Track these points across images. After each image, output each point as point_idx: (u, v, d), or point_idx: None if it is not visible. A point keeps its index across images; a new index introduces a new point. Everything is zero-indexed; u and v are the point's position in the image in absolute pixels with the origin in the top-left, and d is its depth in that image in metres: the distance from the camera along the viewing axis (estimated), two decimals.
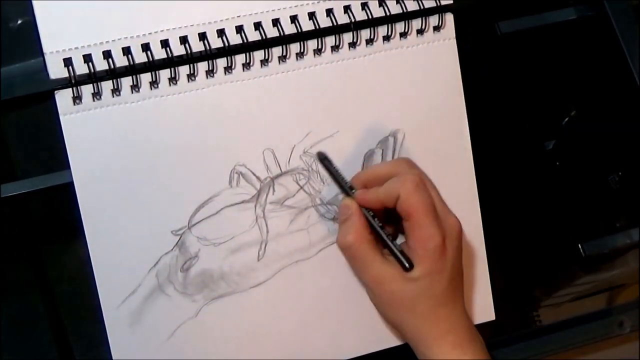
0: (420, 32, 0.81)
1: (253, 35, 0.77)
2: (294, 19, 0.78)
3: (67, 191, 0.75)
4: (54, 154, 0.79)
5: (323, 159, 0.79)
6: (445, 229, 0.75)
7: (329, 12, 0.78)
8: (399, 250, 0.74)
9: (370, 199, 0.76)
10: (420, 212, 0.73)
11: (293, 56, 0.79)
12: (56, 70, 0.73)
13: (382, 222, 0.76)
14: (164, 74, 0.76)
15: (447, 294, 0.75)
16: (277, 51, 0.78)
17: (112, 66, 0.74)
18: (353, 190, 0.77)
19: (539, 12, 0.91)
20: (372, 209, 0.76)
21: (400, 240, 0.78)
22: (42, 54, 0.73)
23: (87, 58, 0.74)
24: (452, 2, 0.81)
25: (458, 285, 0.76)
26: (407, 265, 0.73)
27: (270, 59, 0.78)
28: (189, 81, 0.76)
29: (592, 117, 0.92)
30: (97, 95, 0.75)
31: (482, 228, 0.84)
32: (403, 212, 0.74)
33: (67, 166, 0.75)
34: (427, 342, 0.75)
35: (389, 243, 0.75)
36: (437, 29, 0.82)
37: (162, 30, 0.75)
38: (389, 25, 0.80)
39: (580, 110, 0.93)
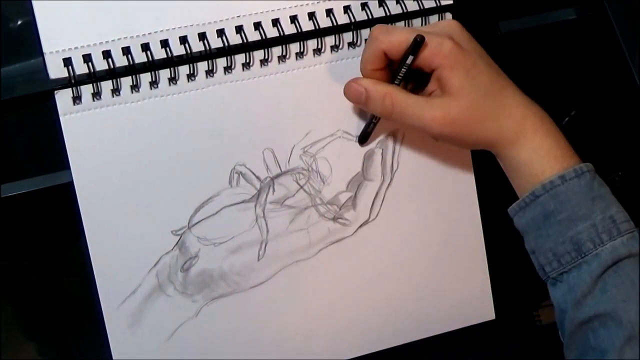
0: None
1: (253, 35, 0.77)
2: (293, 19, 0.78)
3: (67, 191, 0.75)
4: (54, 154, 0.79)
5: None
6: (445, 31, 0.75)
7: (329, 12, 0.79)
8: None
9: (367, 58, 0.76)
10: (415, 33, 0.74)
11: (293, 56, 0.79)
12: (56, 70, 0.74)
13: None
14: (164, 74, 0.76)
15: (496, 79, 0.75)
16: (277, 51, 0.78)
17: (111, 66, 0.74)
18: None
19: (539, 12, 0.91)
20: (378, 67, 0.76)
21: None
22: (42, 54, 0.73)
23: (87, 58, 0.74)
24: (452, 1, 0.81)
25: (498, 70, 0.77)
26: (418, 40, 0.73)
27: (270, 59, 0.78)
28: (188, 81, 0.77)
29: (592, 117, 0.92)
30: (97, 95, 0.75)
31: (481, 227, 0.84)
32: (425, 59, 0.74)
33: (67, 166, 0.75)
34: (509, 138, 0.75)
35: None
36: None
37: (161, 30, 0.75)
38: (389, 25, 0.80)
39: (580, 110, 0.92)
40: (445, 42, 0.74)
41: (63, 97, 0.74)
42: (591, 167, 0.75)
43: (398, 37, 0.74)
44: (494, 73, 0.76)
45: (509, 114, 0.75)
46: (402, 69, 0.75)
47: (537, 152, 0.75)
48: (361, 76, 0.77)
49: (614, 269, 0.72)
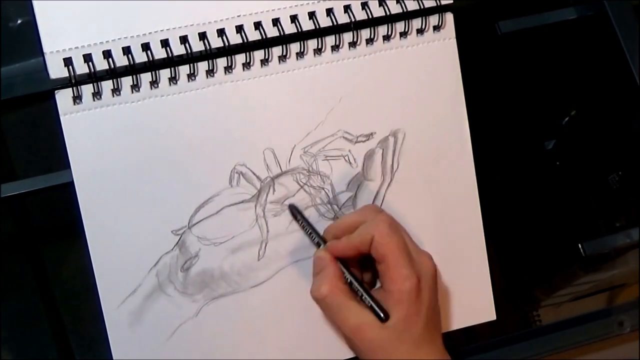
0: (420, 31, 0.81)
1: (253, 35, 0.77)
2: (294, 18, 0.78)
3: (67, 191, 0.75)
4: (54, 154, 0.79)
5: (295, 212, 0.79)
6: (420, 270, 0.74)
7: (329, 11, 0.79)
8: (374, 301, 0.74)
9: (343, 246, 0.75)
10: (395, 252, 0.73)
11: (293, 56, 0.79)
12: (56, 70, 0.73)
13: (355, 271, 0.76)
14: (164, 73, 0.76)
15: (425, 335, 0.74)
16: (277, 51, 0.78)
17: (112, 66, 0.74)
18: (324, 244, 0.77)
19: (539, 12, 0.91)
20: (346, 257, 0.76)
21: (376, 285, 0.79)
22: (42, 54, 0.73)
23: (87, 58, 0.74)
24: (452, 1, 0.81)
25: (436, 325, 0.76)
26: (382, 316, 0.73)
27: (270, 59, 0.78)
28: (189, 81, 0.76)
29: (592, 117, 0.92)
30: (97, 95, 0.75)
31: (482, 228, 0.84)
32: (378, 255, 0.74)
33: (67, 166, 0.75)
34: None
35: (364, 294, 0.74)
36: (437, 28, 0.82)
37: (162, 30, 0.75)
38: (389, 24, 0.80)
39: (580, 110, 0.93)
40: (411, 279, 0.73)
41: (63, 97, 0.74)
42: None
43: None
44: (435, 319, 0.76)
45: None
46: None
47: None
48: None
49: None
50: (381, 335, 0.73)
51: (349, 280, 0.75)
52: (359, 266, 0.78)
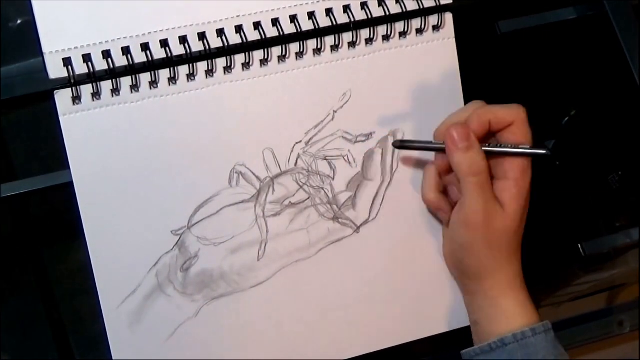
0: (419, 31, 0.81)
1: (252, 35, 0.77)
2: (293, 18, 0.78)
3: (67, 191, 0.75)
4: (54, 154, 0.79)
5: (404, 144, 0.80)
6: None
7: (329, 11, 0.79)
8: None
9: (475, 119, 0.76)
10: (527, 142, 0.76)
11: (293, 56, 0.79)
12: (56, 70, 0.74)
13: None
14: (164, 73, 0.76)
15: (519, 248, 0.79)
16: (276, 51, 0.78)
17: (111, 66, 0.74)
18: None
19: (539, 12, 0.91)
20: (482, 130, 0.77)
21: None
22: (41, 54, 0.73)
23: (87, 58, 0.74)
24: (451, 1, 0.81)
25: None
26: (545, 152, 0.76)
27: (269, 59, 0.78)
28: (188, 81, 0.77)
29: (592, 116, 0.92)
30: (96, 95, 0.75)
31: None
32: (511, 139, 0.76)
33: (67, 166, 0.75)
34: (503, 281, 0.78)
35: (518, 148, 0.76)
36: (436, 28, 0.82)
37: (161, 30, 0.75)
38: (389, 24, 0.80)
39: (580, 110, 0.93)
40: (530, 171, 0.77)
41: (63, 97, 0.74)
42: (550, 325, 0.78)
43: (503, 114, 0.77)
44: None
45: (515, 262, 0.79)
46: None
47: (517, 306, 0.78)
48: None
49: None
50: (501, 226, 0.76)
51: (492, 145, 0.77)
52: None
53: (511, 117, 0.76)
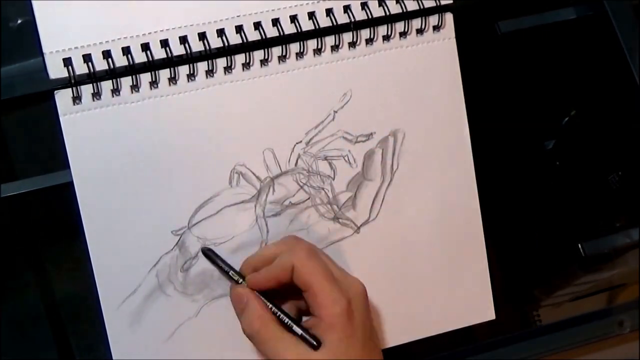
0: (420, 31, 0.81)
1: (253, 35, 0.77)
2: (293, 18, 0.78)
3: (67, 191, 0.75)
4: (54, 154, 0.79)
5: (207, 252, 0.77)
6: (349, 292, 0.72)
7: (329, 11, 0.78)
8: (303, 330, 0.72)
9: (262, 278, 0.74)
10: (318, 277, 0.71)
11: (293, 56, 0.78)
12: (56, 70, 0.73)
13: (283, 304, 0.75)
14: (164, 73, 0.76)
15: (364, 357, 0.72)
16: (276, 51, 0.78)
17: (111, 66, 0.74)
18: (242, 281, 0.75)
19: (539, 12, 0.91)
20: (267, 289, 0.74)
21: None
22: (42, 54, 0.73)
23: (87, 58, 0.74)
24: (452, 1, 0.81)
25: (374, 347, 0.74)
26: (314, 343, 0.71)
27: (270, 59, 0.78)
28: (188, 81, 0.76)
29: (592, 116, 0.92)
30: (96, 95, 0.75)
31: (482, 227, 0.84)
32: (301, 283, 0.72)
33: (67, 166, 0.75)
34: None
35: (292, 323, 0.72)
36: (436, 28, 0.82)
37: (161, 30, 0.75)
38: (389, 25, 0.80)
39: (580, 110, 0.93)
40: (341, 302, 0.71)
41: (63, 97, 0.74)
42: None
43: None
44: (373, 341, 0.74)
45: None
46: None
47: None
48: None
49: None
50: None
51: (275, 312, 0.73)
52: (287, 298, 0.76)
53: (288, 266, 0.72)
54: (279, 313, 0.73)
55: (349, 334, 0.71)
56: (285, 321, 0.72)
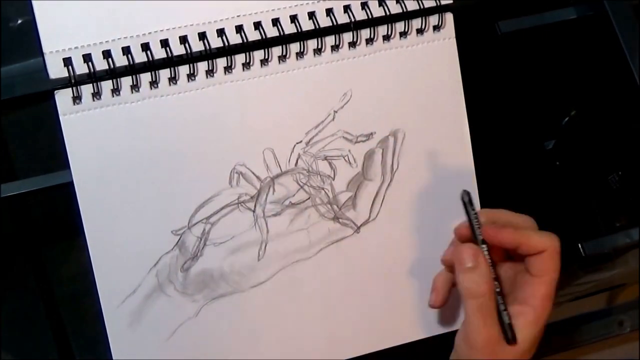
0: (420, 31, 0.81)
1: (253, 35, 0.77)
2: (293, 18, 0.78)
3: (67, 191, 0.75)
4: (54, 154, 0.79)
5: (467, 201, 0.75)
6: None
7: (329, 11, 0.78)
8: (508, 324, 0.72)
9: (505, 237, 0.74)
10: (557, 274, 0.73)
11: (293, 56, 0.78)
12: (56, 70, 0.73)
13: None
14: (164, 73, 0.76)
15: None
16: (277, 51, 0.78)
17: (111, 66, 0.74)
18: (483, 245, 0.74)
19: (539, 12, 0.91)
20: (497, 246, 0.74)
21: None
22: (42, 54, 0.73)
23: (87, 58, 0.74)
24: (452, 1, 0.81)
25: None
26: (510, 338, 0.71)
27: (270, 59, 0.78)
28: (188, 81, 0.76)
29: (592, 116, 0.92)
30: (97, 95, 0.75)
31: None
32: (541, 267, 0.73)
33: (67, 166, 0.75)
34: None
35: (505, 310, 0.72)
36: (437, 28, 0.82)
37: (161, 30, 0.75)
38: (389, 24, 0.80)
39: (580, 110, 0.92)
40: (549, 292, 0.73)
41: (63, 97, 0.74)
42: None
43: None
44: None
45: None
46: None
47: None
48: None
49: None
50: (509, 354, 0.72)
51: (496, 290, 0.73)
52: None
53: (544, 246, 0.73)
54: (498, 292, 0.73)
55: (539, 335, 0.73)
56: (500, 304, 0.72)
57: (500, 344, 0.72)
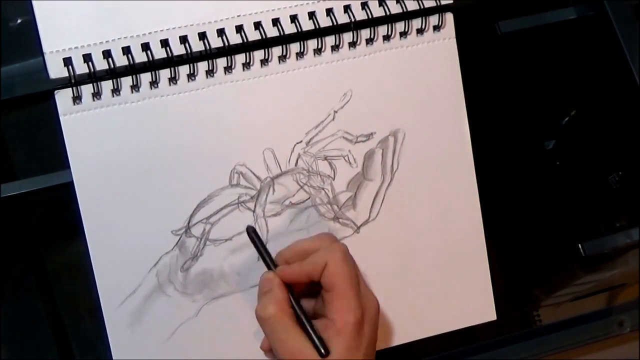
0: (420, 31, 0.81)
1: (253, 35, 0.77)
2: (294, 18, 0.78)
3: (67, 191, 0.75)
4: (54, 154, 0.79)
5: (250, 233, 0.76)
6: (365, 305, 0.72)
7: (329, 11, 0.78)
8: (317, 336, 0.71)
9: (294, 272, 0.74)
10: (346, 281, 0.72)
11: (293, 56, 0.78)
12: (56, 70, 0.73)
13: (301, 299, 0.75)
14: (164, 73, 0.76)
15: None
16: (277, 51, 0.78)
17: (112, 66, 0.74)
18: (274, 268, 0.74)
19: (539, 12, 0.90)
20: (295, 282, 0.74)
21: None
22: (42, 54, 0.73)
23: (87, 58, 0.74)
24: (452, 1, 0.81)
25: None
26: (322, 352, 0.70)
27: (270, 59, 0.78)
28: (189, 81, 0.76)
29: (592, 116, 0.92)
30: (97, 95, 0.74)
31: (482, 228, 0.84)
32: (327, 282, 0.72)
33: (67, 166, 0.75)
34: None
35: (307, 326, 0.72)
36: (437, 28, 0.82)
37: (162, 30, 0.75)
38: (389, 24, 0.80)
39: (580, 109, 0.92)
40: (356, 312, 0.72)
41: (63, 97, 0.74)
42: None
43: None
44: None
45: None
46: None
47: None
48: None
49: None
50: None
51: (293, 307, 0.73)
52: (303, 294, 0.76)
53: (324, 259, 0.73)
54: (296, 309, 0.73)
55: (355, 345, 0.71)
56: (301, 320, 0.72)
57: (314, 358, 0.71)
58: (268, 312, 0.72)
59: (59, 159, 0.76)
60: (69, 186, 0.75)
